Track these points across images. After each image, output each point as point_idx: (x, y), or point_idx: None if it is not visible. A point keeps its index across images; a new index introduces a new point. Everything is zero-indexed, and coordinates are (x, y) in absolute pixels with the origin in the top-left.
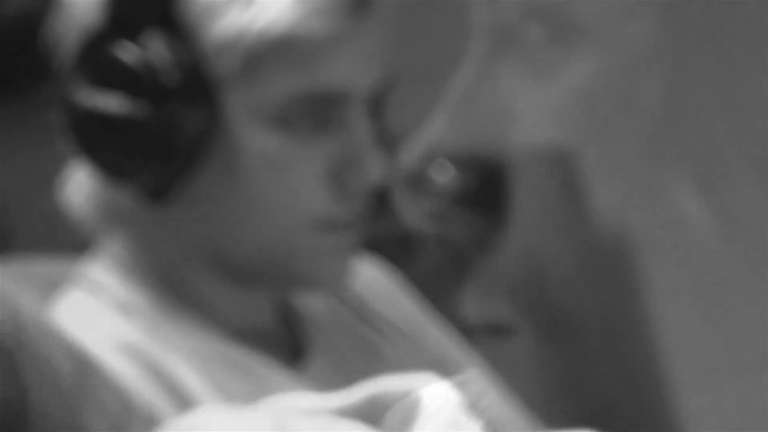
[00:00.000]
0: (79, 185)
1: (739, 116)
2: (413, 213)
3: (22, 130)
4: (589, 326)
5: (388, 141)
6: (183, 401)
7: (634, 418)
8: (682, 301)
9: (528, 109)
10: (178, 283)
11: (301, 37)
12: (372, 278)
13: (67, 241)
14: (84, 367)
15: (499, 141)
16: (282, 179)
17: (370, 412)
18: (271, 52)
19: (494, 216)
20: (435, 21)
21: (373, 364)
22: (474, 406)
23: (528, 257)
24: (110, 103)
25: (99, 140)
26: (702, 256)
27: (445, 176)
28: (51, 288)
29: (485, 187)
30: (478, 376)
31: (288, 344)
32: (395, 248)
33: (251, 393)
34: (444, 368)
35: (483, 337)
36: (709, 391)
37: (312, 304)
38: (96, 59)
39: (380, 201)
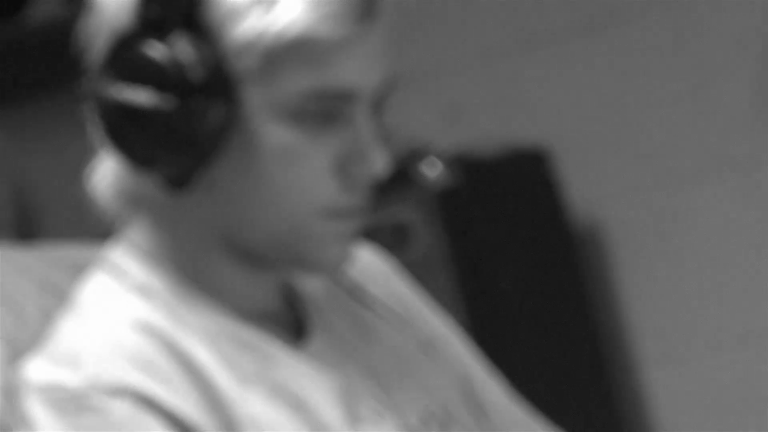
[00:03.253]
0: (105, 174)
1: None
2: (406, 204)
3: (54, 124)
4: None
5: (386, 137)
6: (197, 376)
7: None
8: (652, 286)
9: (510, 112)
10: (193, 268)
11: (315, 40)
12: (368, 263)
13: (94, 228)
14: None
15: (485, 141)
16: (293, 170)
17: None
18: (287, 52)
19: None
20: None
21: (368, 342)
22: None
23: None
24: (137, 97)
25: (126, 131)
26: (672, 246)
27: (434, 172)
28: (77, 271)
29: (470, 183)
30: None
31: (291, 324)
32: (389, 236)
33: (258, 368)
34: (433, 346)
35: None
36: (674, 368)
37: (313, 286)
38: (125, 57)
39: (378, 192)
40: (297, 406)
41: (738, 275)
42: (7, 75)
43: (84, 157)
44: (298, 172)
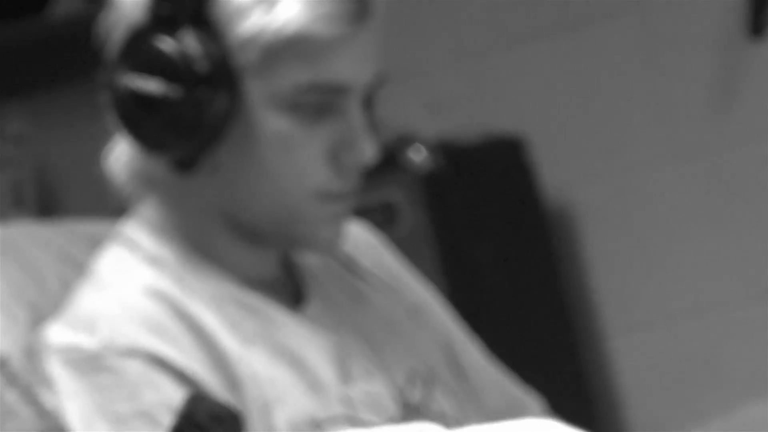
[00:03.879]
0: (120, 156)
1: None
2: (394, 186)
3: (74, 110)
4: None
5: (376, 127)
6: (203, 337)
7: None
8: (616, 261)
9: (488, 103)
10: (200, 241)
11: (311, 38)
12: (360, 238)
13: (110, 205)
14: None
15: (465, 130)
16: (290, 156)
17: None
18: (285, 49)
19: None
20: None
21: (360, 308)
22: None
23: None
24: (149, 86)
25: (138, 118)
26: (634, 225)
27: (419, 157)
28: (94, 244)
29: (452, 168)
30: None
31: (290, 291)
32: (379, 214)
33: (260, 330)
34: (422, 316)
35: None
36: (636, 335)
37: (309, 258)
38: (138, 50)
39: (369, 175)
40: (295, 364)
41: (694, 251)
42: (33, 66)
43: (101, 141)
44: (294, 158)
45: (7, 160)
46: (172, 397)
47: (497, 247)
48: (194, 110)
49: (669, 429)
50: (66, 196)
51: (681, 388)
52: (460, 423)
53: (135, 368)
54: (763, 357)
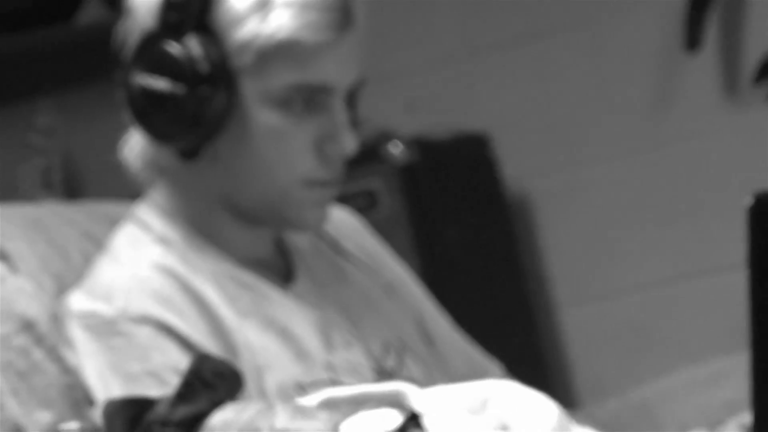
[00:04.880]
0: (134, 146)
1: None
2: (374, 175)
3: (96, 106)
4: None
5: (357, 123)
6: (205, 309)
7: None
8: (569, 243)
9: (458, 104)
10: (202, 223)
11: (299, 43)
12: (343, 221)
13: (126, 189)
14: None
15: (437, 127)
16: (280, 147)
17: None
18: (277, 52)
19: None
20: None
21: (342, 284)
22: None
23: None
24: (158, 85)
25: (149, 112)
26: (585, 211)
27: (396, 151)
28: (111, 224)
29: (425, 160)
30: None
31: (281, 270)
32: (360, 200)
33: (254, 304)
34: (397, 292)
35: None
36: (585, 308)
37: (299, 239)
38: (149, 53)
39: (352, 166)
40: (284, 334)
41: (635, 235)
42: (61, 67)
43: (119, 133)
44: (284, 149)
45: (37, 149)
46: (178, 360)
47: (464, 230)
48: (197, 106)
49: (611, 390)
50: (89, 181)
51: (622, 354)
52: (428, 386)
53: (145, 334)
54: (692, 327)
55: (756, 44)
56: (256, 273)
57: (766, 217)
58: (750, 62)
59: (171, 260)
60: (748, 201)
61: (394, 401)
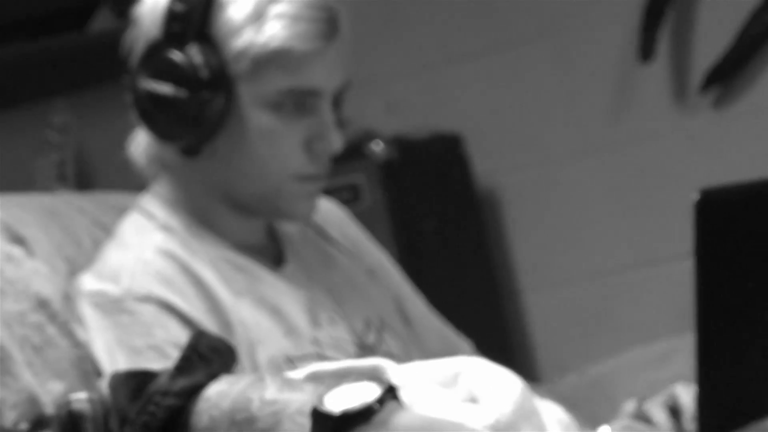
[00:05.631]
0: (140, 143)
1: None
2: (358, 171)
3: (107, 106)
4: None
5: (343, 124)
6: (203, 289)
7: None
8: (534, 234)
9: (434, 106)
10: (201, 212)
11: (290, 51)
12: (329, 211)
13: (132, 181)
14: None
15: (415, 127)
16: (273, 145)
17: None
18: (270, 60)
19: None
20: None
21: (328, 268)
22: None
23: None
24: (162, 89)
25: (154, 113)
26: (549, 206)
27: (378, 148)
28: (119, 212)
29: (404, 157)
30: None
31: (272, 254)
32: (345, 193)
33: (247, 285)
34: (377, 275)
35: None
36: (549, 293)
37: (288, 227)
38: (154, 60)
39: (338, 162)
40: (275, 312)
41: (595, 226)
42: (75, 70)
43: (127, 131)
44: (276, 147)
45: (53, 145)
46: (178, 335)
47: (439, 221)
48: (197, 108)
49: (570, 366)
50: (99, 174)
51: (580, 334)
52: (405, 361)
53: (149, 311)
54: (644, 310)
55: (703, 56)
56: (250, 257)
57: (711, 211)
58: (697, 72)
59: (172, 245)
60: (695, 197)
61: (374, 375)
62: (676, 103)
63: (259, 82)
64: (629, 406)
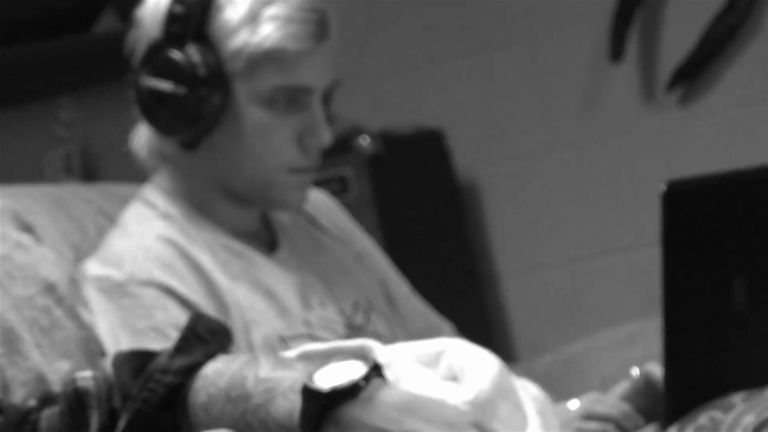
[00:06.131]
0: (142, 137)
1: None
2: (346, 164)
3: (111, 103)
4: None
5: (332, 119)
6: (201, 274)
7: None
8: (512, 223)
9: (418, 104)
10: (200, 202)
11: (283, 51)
12: (320, 201)
13: (135, 173)
14: None
15: (400, 123)
16: (267, 139)
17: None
18: (264, 59)
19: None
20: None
21: (318, 253)
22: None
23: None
24: (162, 86)
25: (155, 109)
26: (525, 196)
27: (365, 143)
28: (122, 202)
29: (390, 151)
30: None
31: (266, 241)
32: (334, 184)
33: (243, 269)
34: (364, 261)
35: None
36: (525, 279)
37: (281, 215)
38: (156, 59)
39: (328, 155)
40: (268, 295)
41: (567, 216)
42: (81, 69)
43: (130, 126)
44: (270, 141)
45: (60, 139)
46: (178, 317)
47: (422, 211)
48: (196, 104)
49: (544, 347)
50: (103, 166)
51: (554, 317)
52: (391, 341)
53: (150, 295)
54: (614, 294)
55: (669, 57)
56: (245, 243)
57: (676, 202)
58: (664, 71)
59: (172, 233)
60: (661, 188)
61: (360, 354)
62: (644, 100)
63: (254, 79)
64: (635, 371)
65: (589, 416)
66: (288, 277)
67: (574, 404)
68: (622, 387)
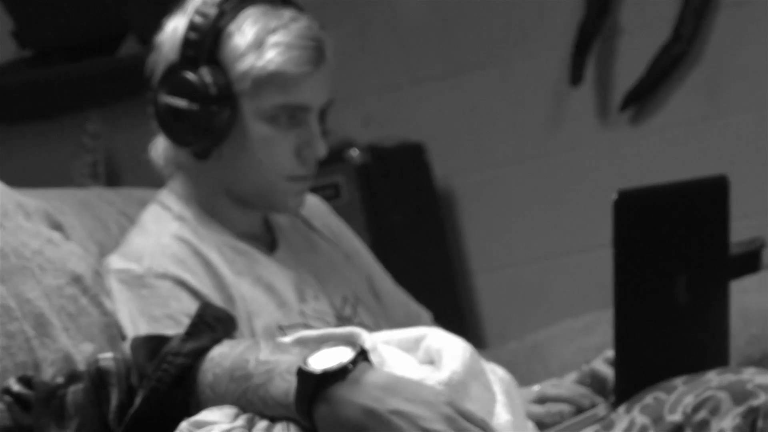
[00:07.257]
0: (159, 148)
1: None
2: (338, 173)
3: (133, 117)
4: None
5: (327, 134)
6: (211, 270)
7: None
8: (485, 226)
9: (402, 121)
10: (209, 206)
11: (285, 74)
12: (314, 205)
13: (153, 180)
14: None
15: (386, 137)
16: (269, 151)
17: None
18: (267, 80)
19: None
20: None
21: (312, 252)
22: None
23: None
24: (179, 103)
25: (171, 123)
26: (498, 202)
27: (355, 155)
28: (142, 204)
29: (376, 162)
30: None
31: (267, 241)
32: (328, 191)
33: (247, 266)
34: (353, 259)
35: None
36: (495, 274)
37: (280, 218)
38: (172, 79)
39: (322, 165)
40: (269, 289)
41: (536, 219)
42: (107, 87)
43: (149, 137)
44: (272, 153)
45: (87, 148)
46: (190, 307)
47: (405, 215)
48: (207, 119)
49: (511, 335)
50: (125, 173)
51: (520, 308)
52: (375, 330)
53: (166, 286)
54: (572, 289)
55: (622, 82)
56: (249, 243)
57: (627, 209)
58: (618, 95)
59: (185, 232)
60: (614, 196)
61: (349, 340)
62: (599, 119)
63: (259, 98)
64: (585, 367)
65: (542, 399)
66: (286, 274)
67: (537, 388)
68: (572, 376)
